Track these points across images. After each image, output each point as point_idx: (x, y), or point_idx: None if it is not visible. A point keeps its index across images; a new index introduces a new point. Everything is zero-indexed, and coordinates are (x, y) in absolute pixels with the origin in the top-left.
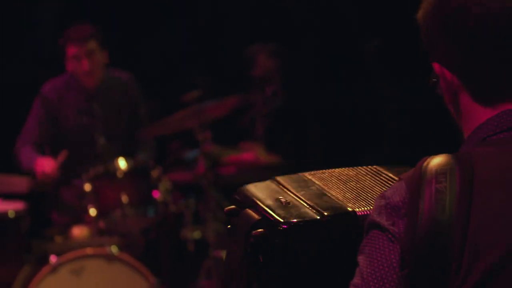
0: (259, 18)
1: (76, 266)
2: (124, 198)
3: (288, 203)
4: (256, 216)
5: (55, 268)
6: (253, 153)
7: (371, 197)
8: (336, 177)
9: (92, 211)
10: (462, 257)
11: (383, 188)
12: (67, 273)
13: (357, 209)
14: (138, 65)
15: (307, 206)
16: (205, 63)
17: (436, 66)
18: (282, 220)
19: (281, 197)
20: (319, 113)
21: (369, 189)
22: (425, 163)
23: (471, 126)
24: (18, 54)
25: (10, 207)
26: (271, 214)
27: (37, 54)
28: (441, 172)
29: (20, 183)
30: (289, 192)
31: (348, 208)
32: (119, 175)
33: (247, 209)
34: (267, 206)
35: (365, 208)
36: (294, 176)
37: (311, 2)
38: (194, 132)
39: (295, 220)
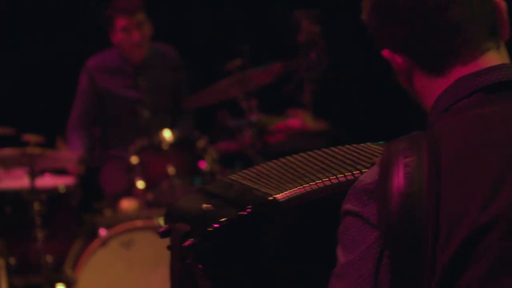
0: None
1: (126, 239)
2: (171, 170)
3: (213, 207)
4: (184, 228)
5: (105, 241)
6: (300, 119)
7: (305, 177)
8: (270, 168)
9: (140, 184)
10: (438, 227)
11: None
12: (117, 245)
13: (279, 195)
14: (180, 34)
15: (230, 205)
16: (248, 30)
17: (385, 53)
18: (206, 224)
19: (204, 205)
20: (365, 77)
21: (310, 169)
22: (392, 144)
23: (430, 102)
24: (69, 27)
25: (61, 182)
26: (196, 222)
27: (87, 27)
28: (407, 148)
29: (69, 158)
30: (214, 197)
31: (269, 197)
32: (164, 146)
33: (177, 224)
34: (193, 216)
35: (288, 192)
36: (220, 180)
37: None
38: (239, 101)
39: (218, 221)
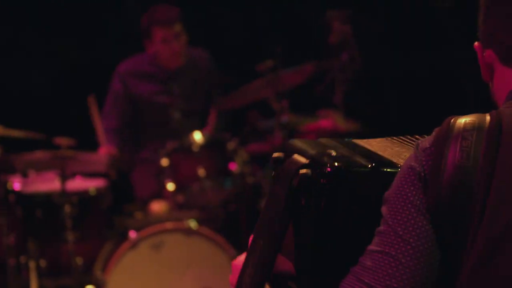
0: None
1: (156, 241)
2: (201, 172)
3: (338, 154)
4: (303, 160)
5: (135, 244)
6: (331, 120)
7: None
8: (381, 143)
9: (170, 186)
10: (485, 205)
11: None
12: (147, 248)
13: None
14: (213, 35)
15: (356, 157)
16: (280, 31)
17: (476, 45)
18: (328, 163)
19: (331, 150)
20: (396, 77)
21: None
22: (453, 119)
23: (503, 97)
24: (102, 31)
25: (91, 185)
26: (318, 158)
27: (121, 32)
28: (469, 124)
29: (101, 161)
30: (338, 148)
31: (398, 164)
32: (194, 148)
33: (295, 155)
34: (315, 153)
35: None
36: (341, 139)
37: None
38: (270, 102)
39: (342, 164)
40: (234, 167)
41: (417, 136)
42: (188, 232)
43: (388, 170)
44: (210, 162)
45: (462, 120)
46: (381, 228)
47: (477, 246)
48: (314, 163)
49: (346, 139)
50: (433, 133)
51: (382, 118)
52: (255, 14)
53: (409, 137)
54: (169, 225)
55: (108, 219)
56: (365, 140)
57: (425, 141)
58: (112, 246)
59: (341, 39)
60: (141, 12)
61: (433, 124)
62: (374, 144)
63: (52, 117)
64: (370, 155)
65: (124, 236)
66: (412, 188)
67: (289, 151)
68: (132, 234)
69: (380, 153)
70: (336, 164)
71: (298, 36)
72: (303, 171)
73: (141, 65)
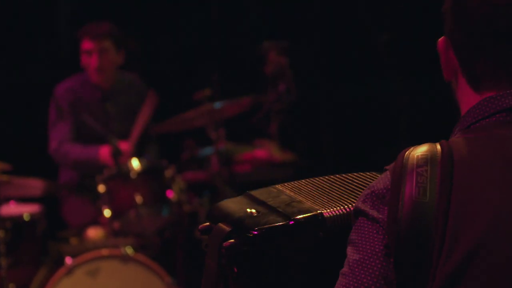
0: (270, 15)
1: (92, 268)
2: (138, 199)
3: (258, 213)
4: (227, 228)
5: (70, 270)
6: (266, 150)
7: (341, 199)
8: (309, 185)
9: (107, 212)
10: (444, 239)
11: (357, 189)
12: (82, 274)
13: (324, 211)
14: (150, 63)
15: (275, 213)
16: (217, 61)
17: (441, 41)
18: (249, 228)
19: (251, 209)
20: (331, 109)
21: (341, 193)
22: (407, 152)
23: (464, 108)
24: (34, 55)
25: (26, 210)
26: (239, 224)
27: (53, 55)
28: (422, 158)
29: (35, 186)
30: (259, 203)
31: (316, 211)
32: (132, 175)
33: (219, 223)
34: (237, 218)
35: (333, 209)
36: (265, 188)
37: None
38: (207, 130)
39: (262, 227)
40: (171, 194)
41: (359, 174)
42: (124, 259)
43: (305, 218)
44: (147, 189)
45: (415, 155)
46: (344, 269)
47: (436, 283)
48: (237, 229)
49: (270, 186)
50: (388, 174)
51: (317, 149)
52: (192, 42)
53: (351, 175)
54: (105, 251)
55: (43, 245)
56: (293, 183)
57: (380, 185)
58: (47, 272)
59: (277, 70)
60: (73, 35)
61: (365, 155)
62: (303, 188)
63: None
64: (290, 206)
65: (59, 262)
66: (370, 233)
67: (215, 217)
68: (68, 260)
69: (304, 199)
70: (254, 228)
71: (235, 66)
72: (226, 243)
73: (77, 86)
